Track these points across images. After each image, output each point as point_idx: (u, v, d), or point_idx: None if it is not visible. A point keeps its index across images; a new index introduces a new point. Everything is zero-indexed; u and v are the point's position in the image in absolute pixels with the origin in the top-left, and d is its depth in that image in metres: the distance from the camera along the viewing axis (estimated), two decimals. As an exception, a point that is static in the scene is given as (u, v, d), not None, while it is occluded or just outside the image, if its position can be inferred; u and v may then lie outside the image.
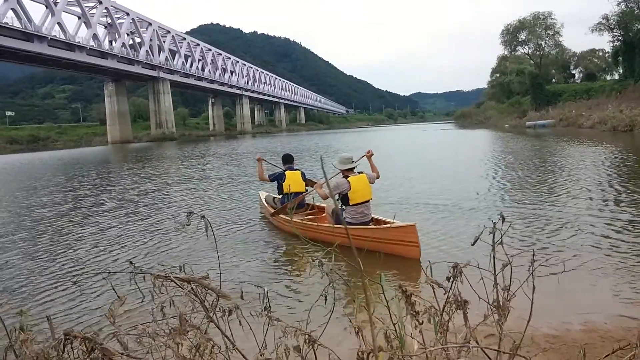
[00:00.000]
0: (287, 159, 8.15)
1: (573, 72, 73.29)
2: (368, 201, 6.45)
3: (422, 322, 2.04)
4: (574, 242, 5.93)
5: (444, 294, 2.13)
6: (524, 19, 61.20)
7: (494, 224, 2.10)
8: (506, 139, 30.25)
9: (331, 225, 6.33)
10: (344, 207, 6.42)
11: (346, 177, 6.39)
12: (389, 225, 5.93)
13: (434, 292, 2.16)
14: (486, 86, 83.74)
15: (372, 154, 7.00)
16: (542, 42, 61.70)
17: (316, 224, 6.88)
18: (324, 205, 7.75)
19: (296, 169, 8.04)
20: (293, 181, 7.69)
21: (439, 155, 22.20)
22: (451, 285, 2.10)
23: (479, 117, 70.54)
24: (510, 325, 2.15)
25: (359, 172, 6.57)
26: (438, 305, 2.14)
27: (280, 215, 7.52)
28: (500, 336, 2.06)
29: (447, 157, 20.20)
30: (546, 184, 10.83)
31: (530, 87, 58.18)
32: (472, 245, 2.12)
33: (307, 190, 7.80)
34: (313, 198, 7.84)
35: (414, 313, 2.01)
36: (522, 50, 65.26)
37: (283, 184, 7.73)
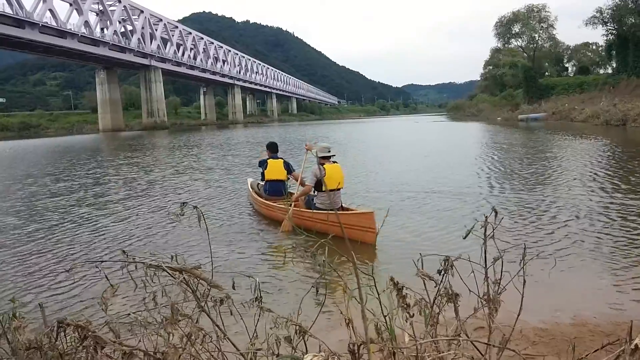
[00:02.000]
0: (272, 147, 8.50)
1: (566, 65, 73.56)
2: (339, 189, 6.89)
3: (413, 314, 2.06)
4: (566, 236, 5.97)
5: (435, 287, 2.14)
6: (518, 11, 61.27)
7: (486, 217, 2.11)
8: (498, 132, 30.35)
9: (326, 214, 6.48)
10: (316, 192, 6.88)
11: (322, 164, 6.77)
12: (351, 211, 6.46)
13: (424, 284, 2.17)
14: (479, 78, 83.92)
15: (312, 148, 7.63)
16: (536, 35, 61.90)
17: (312, 212, 6.92)
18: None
19: (279, 158, 8.39)
20: (274, 169, 8.18)
21: (431, 147, 22.22)
22: (442, 278, 2.11)
23: (471, 110, 70.67)
24: (500, 318, 2.17)
25: (334, 162, 6.99)
26: (429, 298, 2.16)
27: (263, 200, 7.91)
28: (490, 329, 2.08)
29: (439, 150, 20.24)
30: (538, 177, 10.89)
31: (523, 80, 58.30)
32: (464, 238, 2.14)
33: (288, 179, 8.35)
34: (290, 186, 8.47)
35: (405, 306, 2.03)
36: (516, 43, 65.49)
37: (265, 171, 8.21)
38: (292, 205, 7.14)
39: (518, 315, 2.17)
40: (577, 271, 4.75)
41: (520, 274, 2.04)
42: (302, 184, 7.41)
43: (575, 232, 6.10)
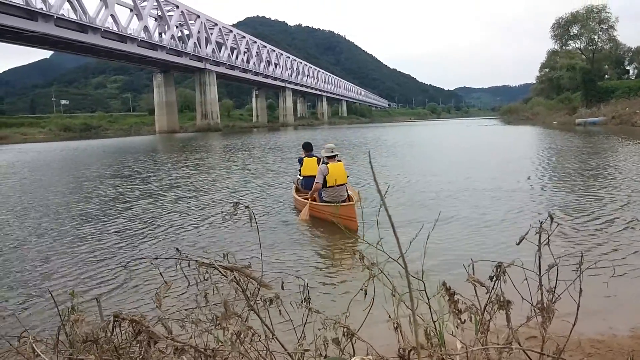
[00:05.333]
0: (307, 147, 9.44)
1: (627, 68, 70.12)
2: (343, 185, 7.97)
3: (464, 321, 2.02)
4: (626, 244, 5.72)
5: (486, 293, 2.10)
6: (576, 12, 59.04)
7: (541, 223, 2.05)
8: (555, 136, 29.33)
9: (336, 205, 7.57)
10: (323, 187, 7.92)
11: (327, 163, 7.93)
12: (339, 204, 7.57)
13: (475, 290, 2.13)
14: (534, 81, 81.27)
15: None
16: (595, 37, 59.35)
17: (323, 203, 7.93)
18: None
19: (314, 156, 9.24)
20: (308, 166, 9.03)
21: (486, 150, 21.72)
22: (494, 285, 2.06)
23: (525, 113, 68.58)
24: (553, 328, 2.10)
25: (338, 161, 8.06)
26: (479, 304, 2.11)
27: (296, 197, 8.89)
28: (543, 339, 2.01)
29: (493, 152, 19.76)
30: (598, 182, 10.47)
31: (581, 83, 56.00)
32: (518, 244, 2.08)
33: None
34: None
35: (456, 312, 1.99)
36: (574, 45, 62.95)
37: (301, 168, 9.24)
38: (309, 199, 8.20)
39: (573, 325, 2.09)
40: (637, 281, 4.53)
41: (576, 283, 1.97)
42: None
43: (636, 241, 5.82)
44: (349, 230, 6.60)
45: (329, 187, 7.87)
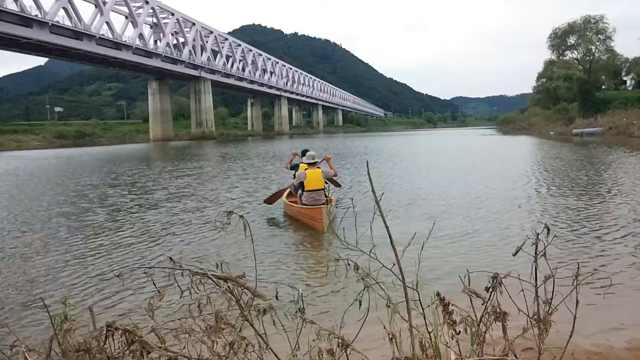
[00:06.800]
0: (304, 153, 9.82)
1: (625, 78, 70.51)
2: (320, 190, 8.50)
3: (459, 332, 2.01)
4: (623, 255, 5.72)
5: (482, 304, 2.09)
6: (573, 22, 59.48)
7: (537, 234, 2.04)
8: (552, 147, 29.47)
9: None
10: (301, 191, 8.57)
11: (306, 169, 8.55)
12: (306, 206, 8.25)
13: (471, 302, 2.12)
14: (531, 92, 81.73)
15: (330, 158, 9.45)
16: (593, 47, 59.75)
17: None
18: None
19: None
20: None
21: (481, 159, 21.78)
22: (490, 296, 2.05)
23: (522, 123, 68.90)
24: (550, 340, 2.08)
25: (317, 167, 8.67)
26: (475, 316, 2.10)
27: (285, 201, 9.41)
28: (540, 350, 2.00)
29: (490, 162, 19.81)
30: (595, 193, 10.50)
31: (579, 93, 56.27)
32: (514, 255, 2.07)
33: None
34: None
35: (451, 322, 1.98)
36: (571, 55, 63.39)
37: (296, 173, 9.39)
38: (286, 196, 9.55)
39: (570, 337, 2.08)
40: (634, 292, 4.52)
41: (572, 294, 1.96)
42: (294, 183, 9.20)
43: (633, 252, 5.83)
44: (315, 230, 7.65)
45: (307, 191, 8.41)
